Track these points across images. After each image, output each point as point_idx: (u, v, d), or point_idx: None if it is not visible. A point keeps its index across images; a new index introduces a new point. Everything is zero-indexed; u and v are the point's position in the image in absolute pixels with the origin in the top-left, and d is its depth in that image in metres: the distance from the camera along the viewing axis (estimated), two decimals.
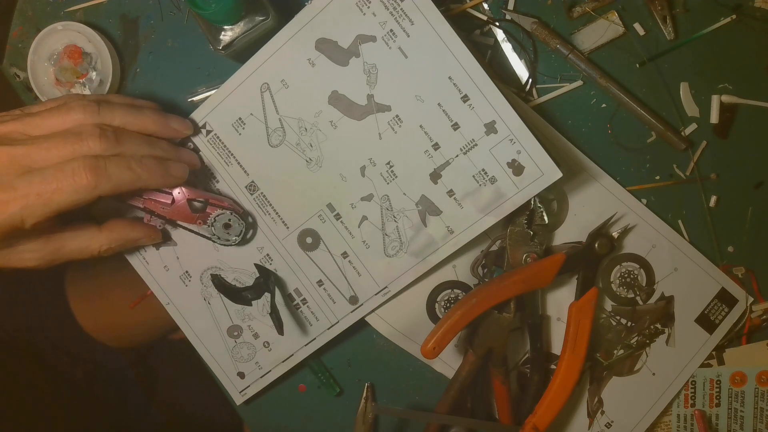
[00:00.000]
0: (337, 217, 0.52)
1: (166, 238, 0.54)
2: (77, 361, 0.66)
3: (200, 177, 0.53)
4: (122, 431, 0.69)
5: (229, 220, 0.51)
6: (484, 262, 0.55)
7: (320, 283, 0.54)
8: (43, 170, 0.40)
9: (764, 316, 0.57)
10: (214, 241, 0.51)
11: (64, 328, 0.65)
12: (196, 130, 0.52)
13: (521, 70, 0.54)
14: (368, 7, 0.48)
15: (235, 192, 0.53)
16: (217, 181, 0.53)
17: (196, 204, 0.50)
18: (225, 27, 0.48)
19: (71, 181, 0.40)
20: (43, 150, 0.41)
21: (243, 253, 0.54)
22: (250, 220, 0.53)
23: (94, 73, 0.53)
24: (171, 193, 0.49)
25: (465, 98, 0.48)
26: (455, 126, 0.49)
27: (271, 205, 0.53)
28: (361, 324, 0.56)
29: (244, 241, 0.53)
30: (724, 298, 0.56)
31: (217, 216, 0.50)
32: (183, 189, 0.50)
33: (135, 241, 0.50)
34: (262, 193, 0.53)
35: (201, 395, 0.67)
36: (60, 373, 0.64)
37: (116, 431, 0.68)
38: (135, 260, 0.55)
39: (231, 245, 0.52)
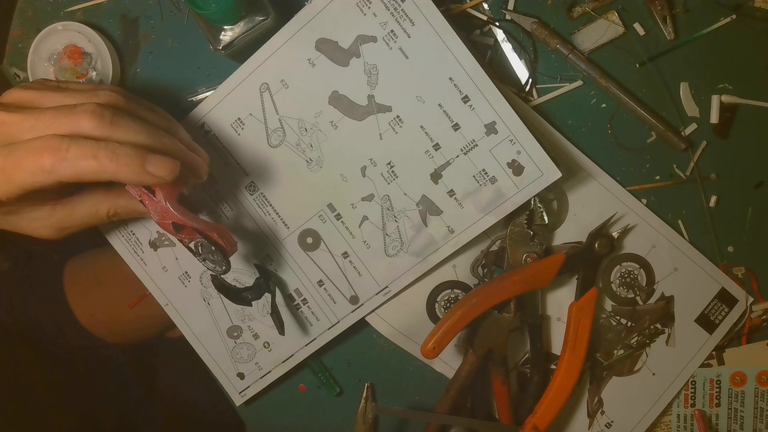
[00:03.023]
0: (338, 217, 0.52)
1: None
2: (76, 356, 0.66)
3: None
4: (124, 428, 0.69)
5: (213, 251, 0.45)
6: (484, 262, 0.55)
7: (321, 283, 0.54)
8: (17, 144, 0.38)
9: (764, 316, 0.57)
10: (199, 261, 0.46)
11: (61, 323, 0.64)
12: (195, 130, 0.52)
13: (521, 70, 0.54)
14: (369, 8, 0.48)
15: (234, 192, 0.53)
16: (216, 182, 0.53)
17: (180, 228, 0.45)
18: (225, 27, 0.48)
19: (30, 160, 0.37)
20: (31, 119, 0.38)
21: (243, 254, 0.54)
22: (226, 266, 0.46)
23: (94, 73, 0.53)
24: (158, 201, 0.44)
25: (465, 99, 0.48)
26: (456, 126, 0.49)
27: (271, 205, 0.53)
28: (361, 324, 0.56)
29: (222, 273, 0.47)
30: (724, 298, 0.56)
31: (201, 243, 0.45)
32: (170, 208, 0.43)
33: (142, 213, 0.47)
34: (261, 193, 0.53)
35: (202, 394, 0.67)
36: (62, 367, 0.64)
37: (118, 428, 0.68)
38: (132, 261, 0.55)
39: (212, 273, 0.47)
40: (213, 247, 0.45)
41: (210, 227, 0.45)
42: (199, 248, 0.46)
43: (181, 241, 0.46)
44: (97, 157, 0.38)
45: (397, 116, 0.50)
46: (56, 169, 0.37)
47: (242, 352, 0.56)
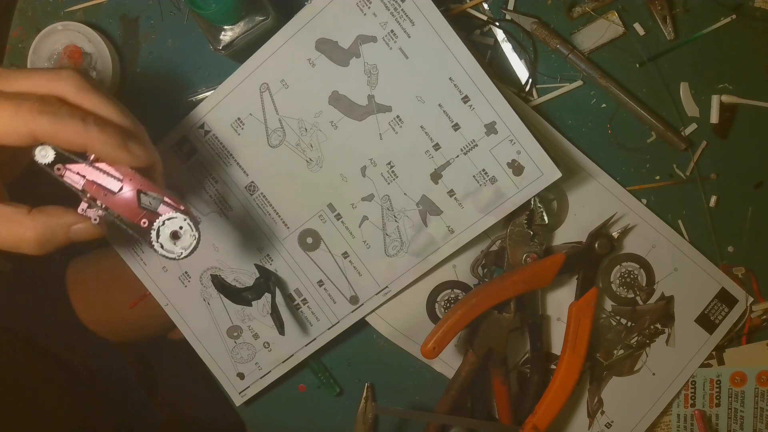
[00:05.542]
0: (338, 217, 0.52)
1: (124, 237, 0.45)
2: (77, 356, 0.66)
3: (198, 177, 0.53)
4: (124, 428, 0.69)
5: (180, 228, 0.40)
6: (484, 262, 0.55)
7: (321, 283, 0.54)
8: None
9: (764, 316, 0.57)
10: (155, 250, 0.40)
11: (64, 323, 0.64)
12: (195, 130, 0.52)
13: (521, 70, 0.54)
14: (369, 8, 0.48)
15: (234, 192, 0.53)
16: (216, 182, 0.53)
17: (147, 199, 0.40)
18: (225, 27, 0.48)
19: (9, 110, 0.35)
20: (21, 76, 0.37)
21: (243, 254, 0.54)
22: (196, 235, 0.41)
23: (94, 73, 0.53)
24: (121, 179, 0.39)
25: (465, 99, 0.48)
26: (456, 126, 0.49)
27: (271, 205, 0.53)
28: (361, 324, 0.56)
29: (189, 254, 0.41)
30: (724, 298, 0.56)
31: (167, 220, 0.40)
32: (136, 176, 0.39)
33: (67, 226, 0.39)
34: (261, 193, 0.53)
35: (203, 395, 0.67)
36: (64, 368, 0.64)
37: (118, 428, 0.68)
38: (132, 261, 0.55)
39: (173, 258, 0.41)
40: (182, 221, 0.40)
41: (177, 200, 0.41)
42: (158, 232, 0.40)
43: (130, 231, 0.40)
44: (85, 120, 0.36)
45: (397, 116, 0.50)
46: (34, 121, 0.35)
47: (242, 352, 0.56)
